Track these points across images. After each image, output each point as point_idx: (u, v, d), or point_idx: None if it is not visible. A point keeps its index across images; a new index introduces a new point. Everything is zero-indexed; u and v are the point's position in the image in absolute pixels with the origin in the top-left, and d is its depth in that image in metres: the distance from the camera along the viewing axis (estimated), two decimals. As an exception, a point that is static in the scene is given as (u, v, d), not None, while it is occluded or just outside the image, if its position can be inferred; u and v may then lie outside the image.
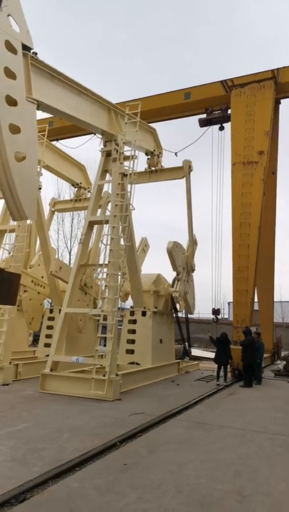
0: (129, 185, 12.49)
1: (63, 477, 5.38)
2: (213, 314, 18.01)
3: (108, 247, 11.61)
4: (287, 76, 16.60)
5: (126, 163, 12.68)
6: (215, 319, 18.01)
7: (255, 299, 17.38)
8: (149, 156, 16.13)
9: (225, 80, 17.45)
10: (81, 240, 12.65)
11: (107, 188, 13.29)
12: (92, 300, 15.25)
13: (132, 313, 14.68)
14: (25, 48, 8.39)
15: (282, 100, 17.67)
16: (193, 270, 16.90)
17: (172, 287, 15.69)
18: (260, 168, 16.15)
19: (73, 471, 5.61)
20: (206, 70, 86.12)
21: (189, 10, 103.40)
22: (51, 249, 15.96)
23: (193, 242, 16.82)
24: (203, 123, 18.20)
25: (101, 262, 11.96)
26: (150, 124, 15.80)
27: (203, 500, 4.83)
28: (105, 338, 11.08)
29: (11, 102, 7.68)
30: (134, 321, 14.51)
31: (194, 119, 18.55)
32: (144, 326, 14.35)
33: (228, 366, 13.85)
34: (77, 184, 18.32)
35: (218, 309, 17.97)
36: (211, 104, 17.90)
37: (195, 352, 20.69)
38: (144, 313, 14.50)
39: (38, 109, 9.15)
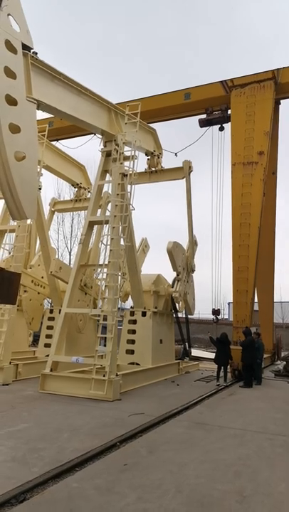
0: (129, 186, 12.49)
1: (63, 477, 5.38)
2: (213, 314, 18.02)
3: (108, 247, 11.61)
4: (287, 76, 16.61)
5: (126, 163, 12.69)
6: (215, 319, 18.01)
7: (255, 300, 17.38)
8: (149, 157, 16.14)
9: (225, 81, 17.46)
10: (81, 240, 12.65)
11: (107, 188, 13.30)
12: (92, 300, 15.25)
13: (132, 314, 14.68)
14: (26, 47, 8.40)
15: (282, 101, 17.69)
16: (193, 271, 16.90)
17: (172, 287, 15.69)
18: (260, 168, 16.15)
19: (73, 471, 5.60)
20: (206, 70, 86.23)
21: (189, 10, 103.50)
22: (51, 250, 15.96)
23: (193, 242, 16.82)
24: (203, 123, 18.21)
25: (101, 262, 11.97)
26: (150, 125, 15.80)
27: (203, 500, 4.83)
28: (105, 338, 11.08)
29: (11, 101, 7.69)
30: (134, 322, 14.51)
31: (194, 120, 18.59)
32: (144, 327, 14.35)
33: (228, 366, 13.85)
34: (77, 184, 18.32)
35: (218, 310, 17.98)
36: (211, 105, 17.91)
37: (195, 352, 20.68)
38: (144, 314, 14.50)
39: (38, 108, 9.16)
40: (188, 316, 19.23)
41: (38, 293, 16.52)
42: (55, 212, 19.70)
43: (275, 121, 17.62)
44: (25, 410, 8.83)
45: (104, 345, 11.24)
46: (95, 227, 14.09)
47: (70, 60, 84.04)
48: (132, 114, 12.89)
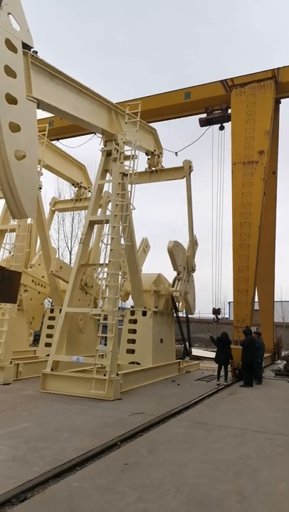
0: (129, 185, 12.48)
1: (64, 477, 5.38)
2: (213, 314, 18.01)
3: (109, 246, 11.61)
4: (287, 76, 16.58)
5: (126, 162, 12.68)
6: (215, 319, 18.01)
7: (256, 299, 17.38)
8: (149, 156, 16.13)
9: (225, 80, 17.44)
10: (81, 239, 12.65)
11: (108, 187, 13.30)
12: (93, 300, 15.25)
13: (133, 313, 14.68)
14: (26, 46, 8.39)
15: (282, 100, 17.66)
16: (193, 270, 16.90)
17: (173, 287, 15.69)
18: (260, 167, 16.14)
19: (74, 470, 5.61)
20: (206, 70, 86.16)
21: (189, 10, 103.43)
22: (52, 249, 15.96)
23: (193, 242, 16.82)
24: (204, 123, 18.19)
25: (101, 261, 11.98)
26: (150, 124, 15.79)
27: (203, 500, 4.83)
28: (106, 337, 11.08)
29: (11, 100, 7.68)
30: (135, 321, 14.51)
31: (194, 119, 18.56)
32: (144, 326, 14.35)
33: (229, 366, 13.85)
34: (78, 184, 18.32)
35: (219, 309, 17.97)
36: (211, 104, 17.89)
37: (195, 352, 20.69)
38: (144, 313, 14.50)
39: (38, 107, 9.16)
40: (189, 316, 19.24)
41: (39, 292, 16.53)
42: (56, 212, 19.70)
43: (276, 120, 17.60)
44: (26, 410, 8.84)
45: (105, 345, 11.24)
46: (96, 226, 14.09)
47: (70, 60, 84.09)
48: (132, 114, 12.89)
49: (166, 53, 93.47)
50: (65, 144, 19.40)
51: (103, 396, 10.06)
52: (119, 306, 12.81)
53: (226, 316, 40.89)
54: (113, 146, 12.49)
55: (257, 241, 15.82)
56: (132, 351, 14.15)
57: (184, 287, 15.78)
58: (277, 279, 20.66)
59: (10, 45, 7.84)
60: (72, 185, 18.95)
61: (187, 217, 16.45)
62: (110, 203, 12.60)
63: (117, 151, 12.46)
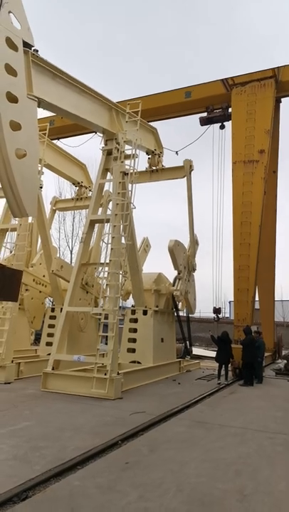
0: (130, 184, 12.48)
1: (65, 475, 5.40)
2: (214, 313, 17.99)
3: (109, 245, 11.61)
4: (287, 75, 16.54)
5: (127, 161, 12.68)
6: (216, 318, 18.00)
7: (256, 298, 17.37)
8: (150, 156, 16.12)
9: (226, 79, 17.40)
10: (82, 238, 12.65)
11: (108, 186, 13.30)
12: (94, 299, 15.26)
13: (133, 312, 14.69)
14: (26, 45, 8.38)
15: (282, 99, 17.62)
16: (194, 270, 16.89)
17: (173, 286, 15.69)
18: (260, 166, 16.12)
19: (75, 469, 5.62)
20: (206, 70, 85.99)
21: (189, 10, 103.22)
22: (52, 248, 15.97)
23: (194, 241, 16.82)
24: (204, 122, 18.16)
25: (102, 260, 11.98)
26: (151, 123, 15.78)
27: (204, 499, 4.84)
28: (107, 336, 11.09)
29: (12, 98, 7.67)
30: (136, 320, 14.52)
31: (195, 118, 18.52)
32: (145, 325, 14.36)
33: (229, 365, 13.86)
34: (79, 183, 18.32)
35: (219, 308, 17.95)
36: (212, 103, 17.85)
37: (196, 351, 20.69)
38: (145, 312, 14.51)
39: (38, 106, 9.16)
40: (189, 315, 19.24)
41: (40, 292, 16.54)
42: (57, 211, 19.71)
43: (276, 119, 17.57)
44: (27, 409, 8.85)
45: (106, 344, 11.25)
46: (96, 225, 14.09)
47: (70, 60, 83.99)
48: (132, 113, 12.88)
49: (166, 53, 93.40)
50: (66, 143, 19.41)
51: (104, 395, 10.08)
52: (120, 305, 12.82)
53: (227, 315, 40.87)
54: (114, 145, 12.49)
55: (257, 240, 15.81)
56: (133, 350, 14.16)
57: (184, 286, 15.78)
58: (277, 278, 20.68)
59: (10, 44, 7.82)
60: (73, 184, 18.95)
61: (188, 216, 16.46)
62: (111, 202, 12.60)
63: (118, 150, 12.45)
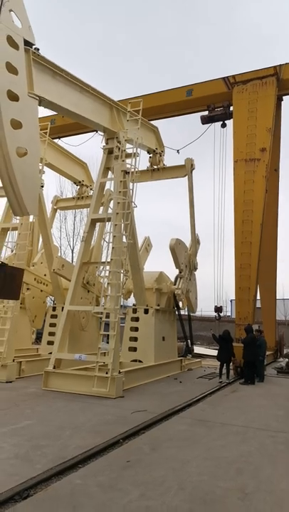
0: (131, 183, 12.46)
1: (66, 474, 5.40)
2: (215, 312, 17.99)
3: (110, 244, 11.60)
4: (289, 73, 16.51)
5: (128, 160, 12.67)
6: (217, 317, 18.00)
7: (258, 297, 17.35)
8: (151, 155, 16.10)
9: (227, 77, 17.35)
10: (83, 237, 12.65)
11: (109, 185, 13.29)
12: (95, 298, 15.26)
13: (135, 311, 14.69)
14: (27, 43, 8.38)
15: (284, 97, 17.55)
16: (195, 269, 16.87)
17: (174, 285, 15.68)
18: (262, 165, 16.09)
19: (76, 468, 5.62)
20: (206, 70, 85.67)
21: (189, 10, 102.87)
22: (54, 247, 15.96)
23: (195, 240, 16.80)
24: (205, 120, 18.12)
25: (103, 259, 11.95)
26: (152, 122, 15.75)
27: (205, 497, 4.84)
28: (108, 335, 11.09)
29: (13, 97, 7.68)
30: (137, 319, 14.52)
31: (196, 117, 18.48)
32: (146, 324, 14.36)
33: (231, 364, 13.85)
34: (80, 182, 18.31)
35: (221, 307, 17.94)
36: (213, 101, 17.81)
37: (197, 349, 20.69)
38: (146, 311, 14.51)
39: (39, 104, 9.15)
40: (191, 313, 19.23)
41: (41, 291, 16.54)
42: (58, 210, 19.70)
43: (278, 117, 17.53)
44: (29, 407, 8.86)
45: (107, 343, 11.25)
46: (97, 224, 14.08)
47: (70, 60, 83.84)
48: (133, 111, 12.86)
49: (166, 53, 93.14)
50: (67, 142, 19.41)
51: (105, 394, 10.08)
52: (121, 304, 12.82)
53: (228, 313, 40.82)
54: (115, 144, 12.47)
55: (259, 239, 15.78)
56: (134, 349, 14.17)
57: (185, 285, 15.77)
58: (279, 276, 20.67)
59: (11, 42, 7.83)
60: (74, 183, 18.94)
61: (189, 215, 16.43)
62: (112, 201, 12.59)
63: (119, 149, 12.44)
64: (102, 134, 12.89)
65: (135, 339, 14.29)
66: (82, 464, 5.76)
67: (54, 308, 16.15)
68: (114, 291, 11.27)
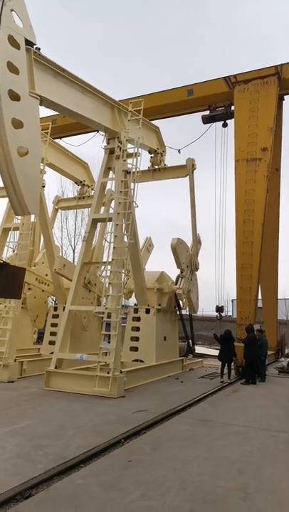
0: (132, 183, 12.47)
1: (68, 474, 5.40)
2: (216, 312, 17.98)
3: (112, 244, 11.61)
4: (290, 72, 16.48)
5: (129, 160, 12.67)
6: (218, 317, 17.99)
7: (259, 297, 17.33)
8: (152, 155, 16.10)
9: (228, 77, 17.34)
10: (85, 237, 12.65)
11: (111, 185, 13.29)
12: (96, 298, 15.25)
13: (136, 311, 14.69)
14: (29, 43, 8.38)
15: (285, 96, 17.55)
16: (197, 269, 16.86)
17: (176, 285, 15.67)
18: (263, 164, 16.07)
19: (78, 467, 5.63)
20: (206, 70, 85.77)
21: (189, 10, 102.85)
22: (55, 247, 15.98)
23: (197, 240, 16.79)
24: (207, 120, 18.11)
25: (105, 259, 11.95)
26: (153, 121, 15.74)
27: (206, 497, 4.84)
28: (109, 335, 11.10)
29: (14, 96, 7.68)
30: (138, 319, 14.52)
31: (197, 116, 18.48)
32: (147, 324, 14.36)
33: (232, 363, 13.84)
34: (81, 182, 18.31)
35: (222, 307, 17.94)
36: (214, 101, 17.80)
37: (199, 349, 20.69)
38: (147, 311, 14.51)
39: (41, 104, 9.16)
40: (192, 313, 19.23)
41: (42, 290, 16.55)
42: (59, 210, 19.71)
43: (279, 117, 17.51)
44: (30, 407, 8.87)
45: (109, 343, 11.26)
46: (99, 224, 14.08)
47: (70, 60, 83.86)
48: (134, 111, 12.85)
49: (166, 53, 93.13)
50: (68, 142, 19.42)
51: (107, 393, 10.08)
52: (123, 304, 12.81)
53: (229, 313, 40.81)
54: (116, 144, 12.48)
55: (260, 238, 15.77)
56: (136, 349, 14.17)
57: (187, 285, 15.76)
58: (280, 276, 20.64)
59: (13, 42, 7.83)
60: (75, 183, 18.94)
61: (190, 215, 16.42)
62: (113, 201, 12.59)
63: (120, 148, 12.44)
64: (104, 133, 12.89)
65: (136, 339, 14.29)
66: (83, 463, 5.77)
67: (55, 308, 16.16)
68: (116, 291, 11.27)
